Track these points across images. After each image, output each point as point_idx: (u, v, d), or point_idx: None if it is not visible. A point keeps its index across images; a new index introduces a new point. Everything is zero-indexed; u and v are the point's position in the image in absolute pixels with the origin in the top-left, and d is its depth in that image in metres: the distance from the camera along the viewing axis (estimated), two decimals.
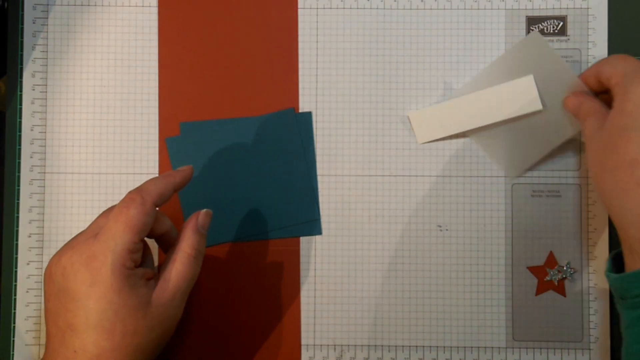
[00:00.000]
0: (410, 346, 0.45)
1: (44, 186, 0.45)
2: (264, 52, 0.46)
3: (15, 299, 0.45)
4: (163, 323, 0.35)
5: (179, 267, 0.36)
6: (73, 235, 0.36)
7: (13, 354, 0.45)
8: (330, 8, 0.46)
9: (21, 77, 0.46)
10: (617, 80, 0.37)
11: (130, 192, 0.35)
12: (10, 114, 0.46)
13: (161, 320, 0.35)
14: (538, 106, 0.42)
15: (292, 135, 0.45)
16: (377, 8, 0.46)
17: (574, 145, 0.45)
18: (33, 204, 0.45)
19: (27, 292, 0.45)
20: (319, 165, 0.45)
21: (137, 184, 0.37)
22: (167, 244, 0.39)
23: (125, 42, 0.46)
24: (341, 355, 0.45)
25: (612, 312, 0.44)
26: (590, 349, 0.44)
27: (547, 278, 0.45)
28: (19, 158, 0.46)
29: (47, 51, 0.46)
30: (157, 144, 0.46)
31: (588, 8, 0.46)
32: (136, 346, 0.33)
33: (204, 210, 0.38)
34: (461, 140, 0.45)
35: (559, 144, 0.43)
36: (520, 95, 0.42)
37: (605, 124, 0.37)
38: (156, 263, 0.41)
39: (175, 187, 0.37)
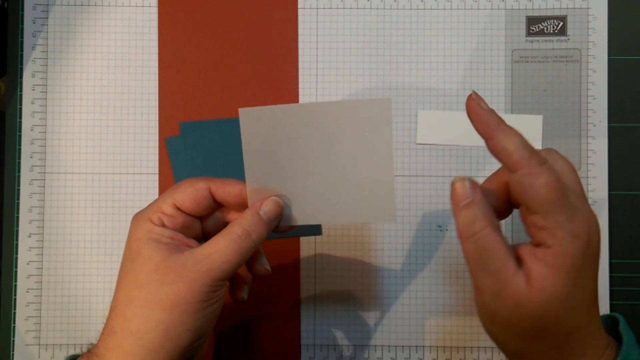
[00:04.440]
0: (410, 346, 0.45)
1: (44, 186, 0.45)
2: (264, 52, 0.46)
3: (15, 299, 0.45)
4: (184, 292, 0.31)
5: (220, 242, 0.32)
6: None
7: (13, 354, 0.45)
8: (330, 8, 0.46)
9: (21, 77, 0.46)
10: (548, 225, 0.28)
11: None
12: (10, 114, 0.46)
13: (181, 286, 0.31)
14: (538, 145, 0.43)
15: None
16: (377, 8, 0.46)
17: (574, 145, 0.45)
18: (33, 204, 0.45)
19: (27, 292, 0.45)
20: None
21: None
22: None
23: (125, 42, 0.46)
24: (341, 355, 0.45)
25: (612, 312, 0.44)
26: None
27: None
28: (19, 158, 0.46)
29: (47, 51, 0.46)
30: (157, 144, 0.46)
31: (588, 8, 0.46)
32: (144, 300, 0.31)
33: (273, 197, 0.34)
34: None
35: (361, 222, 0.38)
36: (524, 130, 0.43)
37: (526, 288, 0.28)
38: None
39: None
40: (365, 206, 0.34)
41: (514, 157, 0.29)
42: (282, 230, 0.35)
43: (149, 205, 0.34)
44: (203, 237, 0.35)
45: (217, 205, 0.35)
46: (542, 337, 0.29)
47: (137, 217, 0.34)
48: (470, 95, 0.31)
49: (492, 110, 0.31)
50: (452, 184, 0.31)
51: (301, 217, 0.35)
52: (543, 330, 0.29)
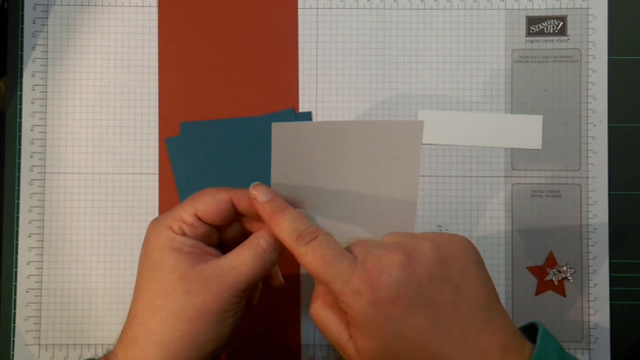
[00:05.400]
0: None
1: (44, 186, 0.45)
2: (264, 52, 0.46)
3: (15, 299, 0.45)
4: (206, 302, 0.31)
5: (246, 254, 0.33)
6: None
7: (13, 354, 0.45)
8: (330, 8, 0.46)
9: (21, 77, 0.46)
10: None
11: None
12: (10, 114, 0.46)
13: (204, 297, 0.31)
14: (538, 145, 0.43)
15: None
16: (377, 8, 0.46)
17: (574, 145, 0.45)
18: (33, 204, 0.45)
19: (27, 292, 0.45)
20: None
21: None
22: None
23: (125, 42, 0.46)
24: (341, 356, 0.45)
25: (612, 312, 0.44)
26: (590, 349, 0.44)
27: (547, 278, 0.45)
28: (19, 158, 0.46)
29: (47, 51, 0.46)
30: (157, 144, 0.46)
31: (588, 8, 0.46)
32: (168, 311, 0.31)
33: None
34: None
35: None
36: (524, 130, 0.42)
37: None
38: None
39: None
40: (385, 223, 0.35)
41: (286, 242, 0.32)
42: None
43: (169, 213, 0.34)
44: (220, 245, 0.36)
45: (237, 215, 0.35)
46: None
47: (156, 225, 0.33)
48: (250, 189, 0.33)
49: (268, 201, 0.33)
50: None
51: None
52: None
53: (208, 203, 0.33)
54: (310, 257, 0.31)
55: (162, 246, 0.32)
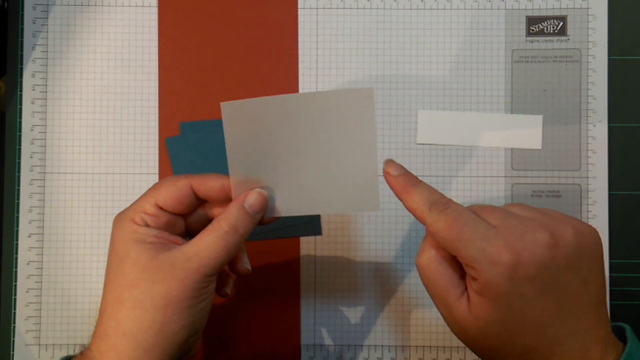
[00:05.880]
0: (410, 346, 0.45)
1: (44, 186, 0.45)
2: (264, 52, 0.46)
3: (15, 299, 0.45)
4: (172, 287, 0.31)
5: (208, 239, 0.32)
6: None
7: (13, 354, 0.45)
8: (330, 8, 0.46)
9: (21, 77, 0.46)
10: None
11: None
12: (10, 114, 0.46)
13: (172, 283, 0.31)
14: (538, 145, 0.43)
15: None
16: (377, 8, 0.46)
17: (574, 145, 0.45)
18: (33, 204, 0.45)
19: (27, 292, 0.45)
20: None
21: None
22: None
23: (125, 42, 0.46)
24: (341, 355, 0.45)
25: (612, 312, 0.44)
26: None
27: None
28: (19, 158, 0.46)
29: (47, 51, 0.46)
30: (157, 144, 0.46)
31: (588, 8, 0.46)
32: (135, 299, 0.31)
33: (257, 189, 0.34)
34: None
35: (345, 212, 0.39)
36: (524, 130, 0.42)
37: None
38: None
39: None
40: (348, 196, 0.34)
41: (417, 213, 0.32)
42: (266, 222, 0.35)
43: (130, 205, 0.34)
44: (187, 233, 0.36)
45: (199, 201, 0.35)
46: (497, 357, 0.30)
47: (119, 219, 0.34)
48: (383, 165, 0.34)
49: (400, 174, 0.34)
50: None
51: (285, 208, 0.35)
52: (493, 351, 0.30)
53: (168, 191, 0.33)
54: (443, 224, 0.30)
55: (125, 239, 0.32)
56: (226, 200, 0.34)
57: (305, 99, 0.33)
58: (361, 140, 0.33)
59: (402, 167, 0.34)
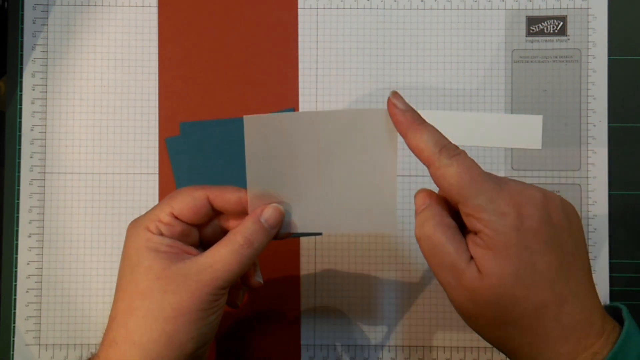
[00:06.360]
0: (410, 346, 0.45)
1: (44, 186, 0.45)
2: (264, 52, 0.46)
3: (15, 299, 0.45)
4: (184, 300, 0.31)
5: (222, 251, 0.32)
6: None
7: (13, 354, 0.45)
8: (330, 8, 0.46)
9: (21, 77, 0.46)
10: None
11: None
12: (10, 114, 0.46)
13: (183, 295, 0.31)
14: (538, 145, 0.43)
15: None
16: (377, 8, 0.46)
17: (574, 145, 0.45)
18: (33, 204, 0.45)
19: (27, 292, 0.45)
20: None
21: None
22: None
23: (125, 42, 0.46)
24: (341, 356, 0.45)
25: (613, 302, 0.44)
26: None
27: None
28: (19, 158, 0.46)
29: (47, 51, 0.46)
30: (157, 144, 0.46)
31: (588, 8, 0.46)
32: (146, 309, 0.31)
33: (273, 204, 0.34)
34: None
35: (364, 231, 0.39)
36: (524, 130, 0.42)
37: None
38: None
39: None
40: (365, 216, 0.34)
41: (425, 153, 0.31)
42: (281, 238, 0.35)
43: (146, 213, 0.34)
44: (201, 244, 0.35)
45: (215, 213, 0.34)
46: (510, 322, 0.29)
47: (134, 226, 0.33)
48: (390, 96, 0.32)
49: (408, 110, 0.32)
50: (415, 196, 0.33)
51: (301, 224, 0.35)
52: (507, 314, 0.29)
53: (185, 202, 0.33)
54: (455, 170, 0.30)
55: (139, 247, 0.32)
56: (242, 213, 0.34)
57: (330, 117, 0.33)
58: (382, 160, 0.33)
59: (408, 103, 0.32)
